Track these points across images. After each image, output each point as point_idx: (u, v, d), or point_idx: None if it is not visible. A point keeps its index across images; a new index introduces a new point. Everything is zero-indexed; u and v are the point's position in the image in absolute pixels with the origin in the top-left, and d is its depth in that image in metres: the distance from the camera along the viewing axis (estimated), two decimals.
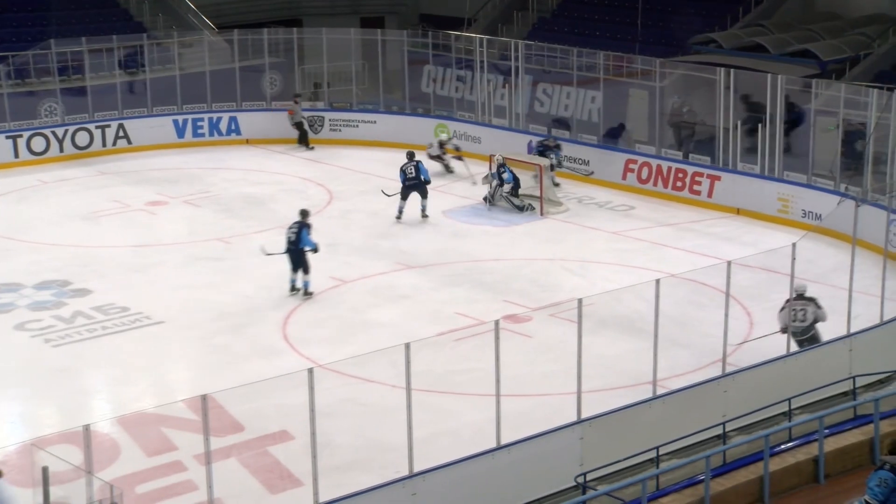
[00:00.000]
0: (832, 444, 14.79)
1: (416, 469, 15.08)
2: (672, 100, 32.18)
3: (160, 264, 25.63)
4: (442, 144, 32.71)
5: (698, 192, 29.58)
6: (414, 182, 28.15)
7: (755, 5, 39.48)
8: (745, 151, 29.17)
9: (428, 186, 28.42)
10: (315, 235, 24.19)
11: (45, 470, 12.77)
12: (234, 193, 31.14)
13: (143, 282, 24.58)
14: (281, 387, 18.44)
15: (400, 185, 28.13)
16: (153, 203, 30.32)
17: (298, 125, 36.02)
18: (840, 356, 18.90)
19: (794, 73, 31.27)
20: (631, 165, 30.79)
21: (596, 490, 15.21)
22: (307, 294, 23.36)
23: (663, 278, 17.80)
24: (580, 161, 32.04)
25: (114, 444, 17.09)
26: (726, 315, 17.90)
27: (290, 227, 23.73)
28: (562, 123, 33.82)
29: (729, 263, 18.07)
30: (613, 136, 32.11)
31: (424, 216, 28.25)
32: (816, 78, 30.84)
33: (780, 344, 18.84)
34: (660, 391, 17.39)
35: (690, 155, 30.55)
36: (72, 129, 35.36)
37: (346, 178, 32.51)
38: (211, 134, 36.79)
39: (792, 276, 18.66)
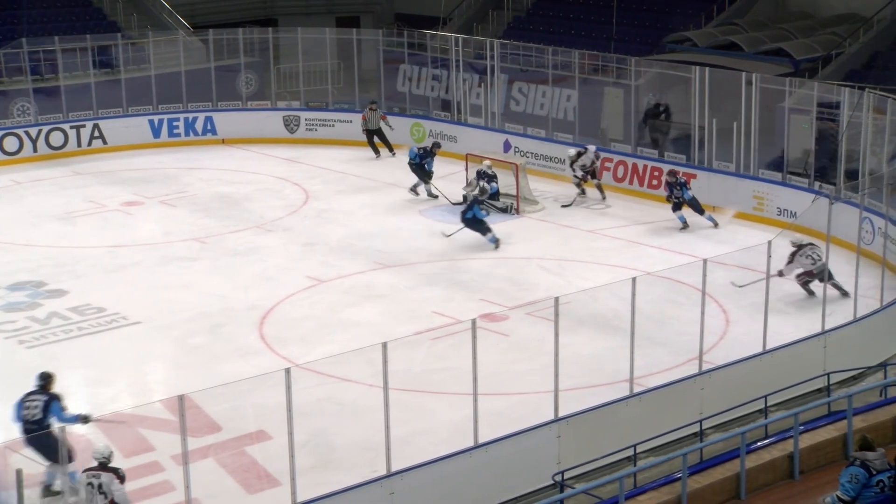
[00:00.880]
0: (806, 440, 14.87)
1: (394, 468, 15.11)
2: (647, 98, 32.27)
3: (136, 265, 25.56)
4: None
5: None
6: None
7: (729, 4, 39.69)
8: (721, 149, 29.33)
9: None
10: (292, 235, 24.12)
11: (18, 472, 12.74)
12: (210, 193, 31.09)
13: (120, 282, 24.51)
14: (258, 387, 18.48)
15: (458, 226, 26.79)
16: (129, 203, 30.24)
17: (374, 133, 34.46)
18: (814, 353, 19.03)
19: (767, 71, 31.40)
20: (607, 164, 30.86)
21: (573, 488, 15.28)
22: None
23: (640, 276, 17.89)
24: (555, 160, 32.08)
25: (90, 444, 17.01)
26: (702, 313, 17.99)
27: None
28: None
29: (705, 261, 18.16)
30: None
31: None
32: (790, 76, 30.97)
33: (757, 342, 18.92)
34: (637, 389, 17.48)
35: (666, 153, 30.64)
36: (46, 128, 35.21)
37: (323, 178, 32.48)
38: (187, 134, 36.71)
39: (767, 274, 18.77)
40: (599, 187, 29.76)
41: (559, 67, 33.39)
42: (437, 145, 30.20)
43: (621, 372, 17.64)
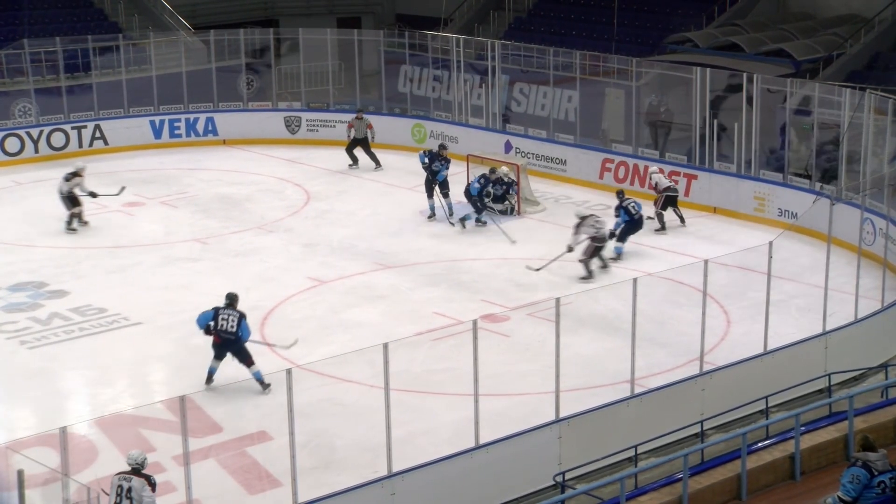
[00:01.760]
0: (808, 441, 14.87)
1: (395, 469, 15.13)
2: (649, 99, 32.28)
3: (137, 265, 25.57)
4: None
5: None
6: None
7: (730, 5, 39.67)
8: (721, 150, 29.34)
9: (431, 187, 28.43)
10: (293, 236, 24.18)
11: (20, 473, 12.75)
12: (212, 194, 31.09)
13: (121, 283, 24.53)
14: (259, 387, 18.55)
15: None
16: (130, 204, 30.22)
17: (359, 142, 33.52)
18: (816, 354, 19.04)
19: (768, 72, 31.41)
20: (608, 164, 30.86)
21: (574, 489, 15.28)
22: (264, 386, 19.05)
23: (640, 277, 17.91)
24: (557, 160, 32.12)
25: (91, 445, 17.07)
26: (703, 314, 18.00)
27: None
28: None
29: (706, 262, 18.17)
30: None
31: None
32: (791, 77, 30.98)
33: (758, 343, 18.93)
34: (638, 390, 17.49)
35: (667, 154, 30.65)
36: (47, 129, 35.21)
37: (324, 179, 32.48)
38: (188, 135, 36.71)
39: (769, 275, 18.77)
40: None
41: (560, 68, 33.39)
42: (443, 147, 29.55)
43: (622, 373, 17.65)
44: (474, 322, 15.66)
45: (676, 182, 28.45)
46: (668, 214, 27.54)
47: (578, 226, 24.47)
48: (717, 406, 17.54)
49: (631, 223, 25.64)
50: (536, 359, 19.64)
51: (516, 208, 28.64)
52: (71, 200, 27.93)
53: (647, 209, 27.01)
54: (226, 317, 19.08)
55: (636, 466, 15.90)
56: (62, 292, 23.88)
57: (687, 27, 38.63)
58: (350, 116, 33.81)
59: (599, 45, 36.75)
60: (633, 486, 14.86)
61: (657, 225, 27.12)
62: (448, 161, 28.87)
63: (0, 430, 18.30)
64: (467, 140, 33.87)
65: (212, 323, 19.09)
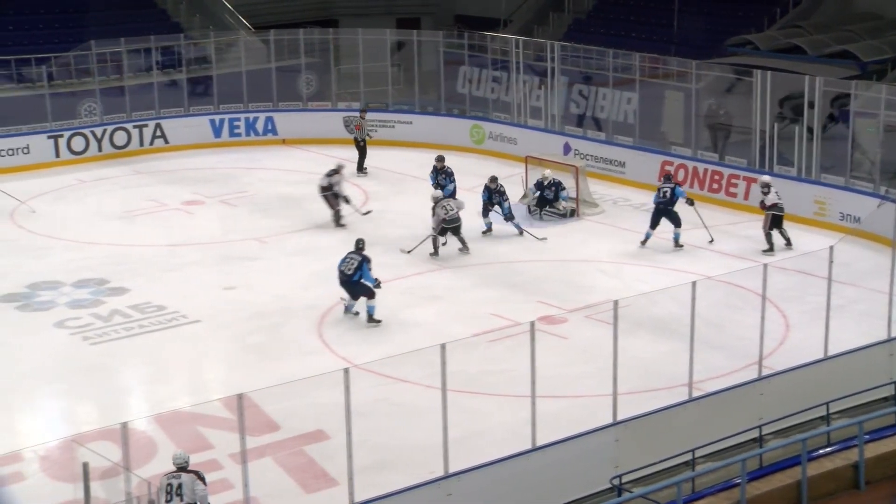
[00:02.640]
0: (872, 449, 14.66)
1: (451, 469, 15.10)
2: (709, 101, 32.06)
3: (196, 263, 25.74)
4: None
5: (734, 195, 29.47)
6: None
7: (793, 6, 39.31)
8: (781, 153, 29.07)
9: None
10: (350, 235, 24.30)
11: (85, 466, 12.89)
12: (270, 193, 31.24)
13: (179, 281, 24.70)
14: (316, 386, 18.55)
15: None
16: (189, 202, 30.46)
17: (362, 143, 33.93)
18: (880, 360, 18.77)
19: (832, 74, 31.09)
20: (667, 167, 30.71)
21: (631, 492, 15.19)
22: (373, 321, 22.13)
23: (699, 280, 17.78)
24: (616, 162, 32.00)
25: (150, 441, 17.19)
26: (762, 317, 17.83)
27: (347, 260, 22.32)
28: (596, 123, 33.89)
29: (765, 266, 18.01)
30: None
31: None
32: (856, 79, 30.63)
33: (818, 348, 18.72)
34: (695, 393, 17.34)
35: (727, 157, 30.43)
36: (110, 128, 35.60)
37: (382, 179, 32.55)
38: (247, 134, 36.93)
39: (829, 279, 18.56)
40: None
41: (619, 70, 33.26)
42: (439, 159, 29.05)
43: (680, 376, 17.52)
44: (532, 323, 15.61)
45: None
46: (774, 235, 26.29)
47: (433, 208, 25.90)
48: (776, 411, 17.35)
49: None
50: (593, 361, 19.54)
51: (576, 210, 28.52)
52: (333, 196, 28.13)
53: (720, 216, 26.80)
54: (348, 259, 22.07)
55: (693, 470, 15.78)
56: (123, 289, 24.09)
57: (748, 29, 38.34)
58: (411, 117, 33.85)
59: (659, 46, 36.59)
60: (691, 490, 14.77)
61: (765, 246, 25.98)
62: (450, 174, 28.72)
63: (64, 423, 18.53)
64: (526, 141, 33.81)
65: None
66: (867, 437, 14.73)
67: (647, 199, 29.74)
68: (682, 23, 40.17)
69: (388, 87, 37.97)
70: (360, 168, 33.36)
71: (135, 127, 35.95)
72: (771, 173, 28.71)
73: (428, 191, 27.78)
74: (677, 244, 26.08)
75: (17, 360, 20.88)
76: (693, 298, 16.93)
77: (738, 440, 16.89)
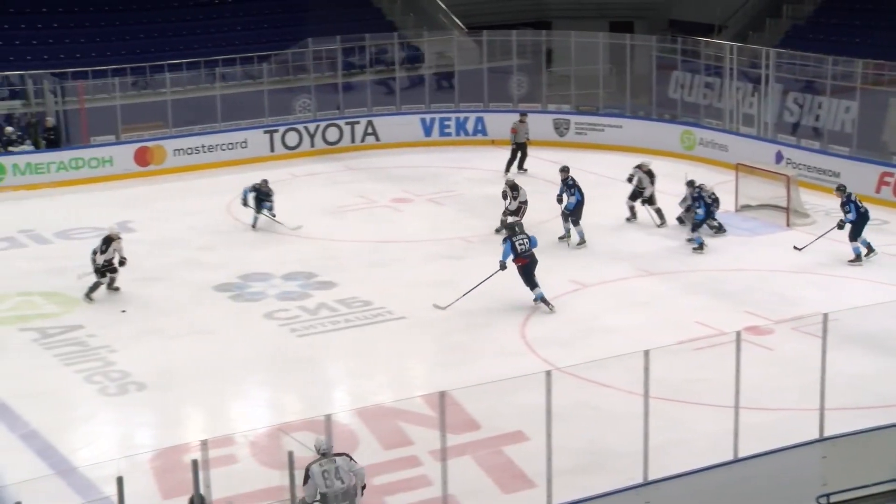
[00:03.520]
0: None
1: (651, 477, 14.95)
2: None
3: (402, 260, 26.07)
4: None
5: None
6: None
7: None
8: None
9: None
10: (556, 238, 24.21)
11: (290, 455, 13.18)
12: (478, 193, 31.42)
13: (386, 277, 25.05)
14: (518, 387, 18.58)
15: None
16: (398, 200, 30.87)
17: (521, 147, 33.73)
18: None
19: None
20: (886, 178, 29.78)
21: None
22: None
23: None
24: (830, 172, 31.20)
25: (352, 434, 17.46)
26: None
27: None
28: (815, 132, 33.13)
29: None
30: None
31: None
32: None
33: None
34: None
35: None
36: (323, 124, 36.41)
37: (591, 183, 32.27)
38: (457, 133, 37.26)
39: None
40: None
41: (839, 77, 32.42)
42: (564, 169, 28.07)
43: (894, 396, 16.98)
44: (737, 333, 15.35)
45: None
46: None
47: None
48: None
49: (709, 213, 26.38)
50: (800, 374, 19.08)
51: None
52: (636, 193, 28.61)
53: None
54: (522, 241, 22.80)
55: None
56: (330, 283, 24.55)
57: None
58: (621, 121, 33.57)
59: (884, 52, 35.43)
60: None
61: None
62: (572, 185, 27.47)
63: (271, 411, 18.99)
64: (737, 149, 33.25)
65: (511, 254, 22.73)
66: None
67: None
68: None
69: (600, 90, 37.82)
70: (521, 167, 33.34)
71: (347, 124, 36.67)
72: None
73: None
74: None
75: (229, 348, 21.48)
76: None
77: None
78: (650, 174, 28.39)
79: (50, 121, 33.70)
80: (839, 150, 31.80)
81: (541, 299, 22.82)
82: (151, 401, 19.33)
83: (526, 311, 22.72)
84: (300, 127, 36.16)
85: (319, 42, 37.57)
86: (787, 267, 25.28)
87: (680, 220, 27.93)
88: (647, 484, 14.91)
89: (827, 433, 15.97)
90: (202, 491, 12.91)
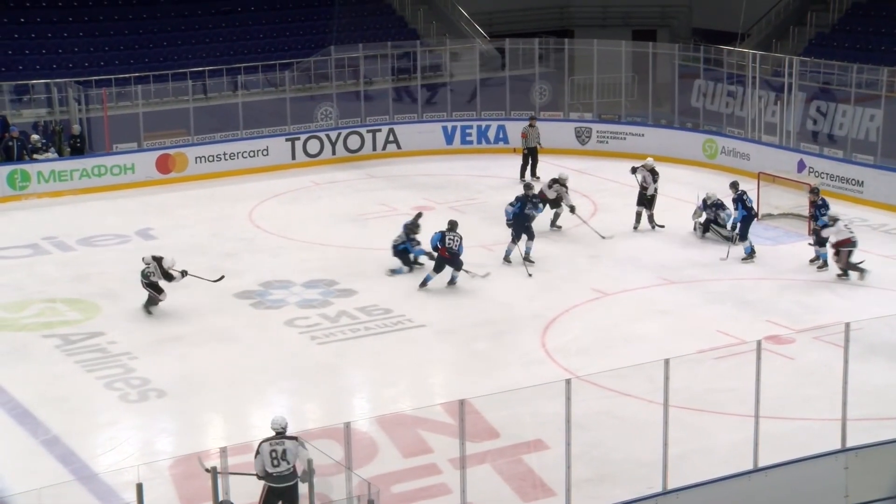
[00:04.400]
0: None
1: (670, 486, 14.91)
2: None
3: (424, 268, 26.01)
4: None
5: None
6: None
7: None
8: None
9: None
10: (578, 247, 24.14)
11: (309, 462, 13.17)
12: (500, 201, 31.24)
13: (407, 285, 25.02)
14: (538, 396, 18.57)
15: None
16: (419, 208, 30.82)
17: (532, 151, 33.79)
18: None
19: None
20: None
21: None
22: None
23: None
24: (853, 181, 31.08)
25: (372, 442, 17.46)
26: None
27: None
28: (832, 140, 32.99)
29: None
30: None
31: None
32: None
33: None
34: None
35: None
36: (345, 132, 36.46)
37: (612, 191, 32.34)
38: (479, 142, 37.27)
39: None
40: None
41: (863, 86, 32.29)
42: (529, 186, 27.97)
43: None
44: (758, 342, 15.30)
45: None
46: None
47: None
48: None
49: (748, 217, 25.82)
50: (822, 384, 19.00)
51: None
52: (648, 199, 28.70)
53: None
54: (452, 237, 24.33)
55: None
56: (350, 291, 24.56)
57: None
58: (643, 129, 33.53)
59: None
60: None
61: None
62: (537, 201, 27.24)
63: (291, 419, 18.95)
64: (759, 158, 33.16)
65: (438, 244, 24.39)
66: None
67: (887, 220, 28.90)
68: None
69: (622, 98, 37.78)
70: (533, 173, 33.35)
71: (368, 131, 36.72)
72: None
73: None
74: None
75: (250, 355, 21.52)
76: None
77: None
78: (654, 172, 28.43)
79: (76, 128, 33.84)
80: (863, 159, 31.66)
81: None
82: (171, 407, 19.38)
83: (546, 319, 22.69)
84: (322, 135, 36.22)
85: (342, 50, 37.68)
86: (810, 276, 25.18)
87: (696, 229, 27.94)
88: (666, 493, 14.87)
89: (849, 444, 15.90)
90: (221, 498, 12.92)
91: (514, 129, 36.90)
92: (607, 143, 36.35)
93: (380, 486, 14.16)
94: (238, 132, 35.61)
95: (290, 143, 35.74)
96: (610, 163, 35.08)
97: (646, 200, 28.56)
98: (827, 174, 31.65)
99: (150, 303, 23.38)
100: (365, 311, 23.46)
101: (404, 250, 25.67)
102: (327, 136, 36.24)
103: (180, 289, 24.83)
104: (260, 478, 14.43)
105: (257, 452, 14.46)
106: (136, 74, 35.54)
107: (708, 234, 27.67)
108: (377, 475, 15.75)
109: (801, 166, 32.33)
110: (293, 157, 35.64)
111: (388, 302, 23.83)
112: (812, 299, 23.82)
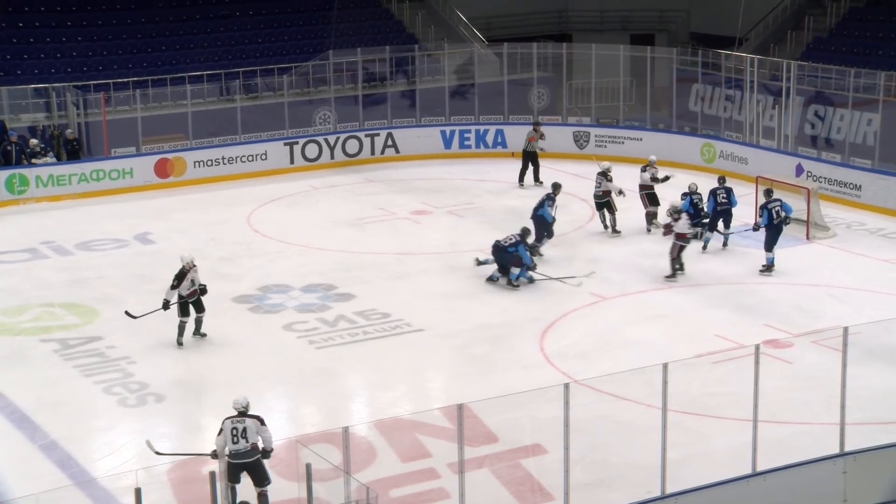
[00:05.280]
0: None
1: (669, 490, 14.91)
2: None
3: (422, 272, 26.06)
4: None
5: None
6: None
7: None
8: None
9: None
10: (576, 251, 24.11)
11: (308, 466, 13.18)
12: (498, 206, 31.43)
13: (405, 289, 25.04)
14: (536, 400, 18.58)
15: None
16: (418, 212, 30.89)
17: (532, 156, 33.87)
18: None
19: None
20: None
21: None
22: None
23: None
24: (851, 185, 31.10)
25: (370, 446, 17.45)
26: None
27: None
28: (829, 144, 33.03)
29: None
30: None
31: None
32: None
33: None
34: None
35: None
36: (343, 136, 36.47)
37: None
38: (477, 146, 37.28)
39: None
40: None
41: (861, 90, 32.32)
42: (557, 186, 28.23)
43: None
44: (756, 347, 15.31)
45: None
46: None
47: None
48: None
49: (772, 228, 25.59)
50: (820, 388, 19.02)
51: (805, 233, 27.68)
52: (649, 196, 28.94)
53: None
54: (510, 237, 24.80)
55: None
56: (349, 296, 24.56)
57: None
58: (641, 133, 33.41)
59: None
60: None
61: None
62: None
63: (289, 423, 18.99)
64: (757, 161, 33.18)
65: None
66: None
67: (886, 225, 28.93)
68: None
69: (620, 102, 37.80)
70: (536, 178, 33.40)
71: (367, 136, 36.75)
72: None
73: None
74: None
75: (248, 359, 21.50)
76: None
77: None
78: (605, 174, 28.66)
79: (71, 133, 33.85)
80: (861, 163, 31.68)
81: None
82: (170, 412, 19.37)
83: (545, 323, 22.69)
84: (320, 139, 36.23)
85: (340, 54, 37.70)
86: (808, 280, 25.19)
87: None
88: (665, 497, 14.87)
89: (848, 448, 15.91)
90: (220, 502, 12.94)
91: (513, 134, 36.97)
92: (606, 147, 36.34)
93: (378, 490, 14.17)
94: (236, 136, 35.61)
95: (288, 147, 35.74)
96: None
97: (656, 200, 28.81)
98: (825, 178, 31.66)
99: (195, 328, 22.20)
100: (363, 315, 23.46)
101: (512, 253, 24.77)
102: (326, 140, 36.26)
103: None
104: (213, 457, 15.44)
105: (220, 430, 15.41)
106: (135, 79, 35.56)
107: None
108: (375, 480, 15.74)
109: (798, 170, 32.35)
110: (292, 162, 35.65)
111: (386, 306, 23.82)
112: (810, 303, 23.82)
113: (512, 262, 24.64)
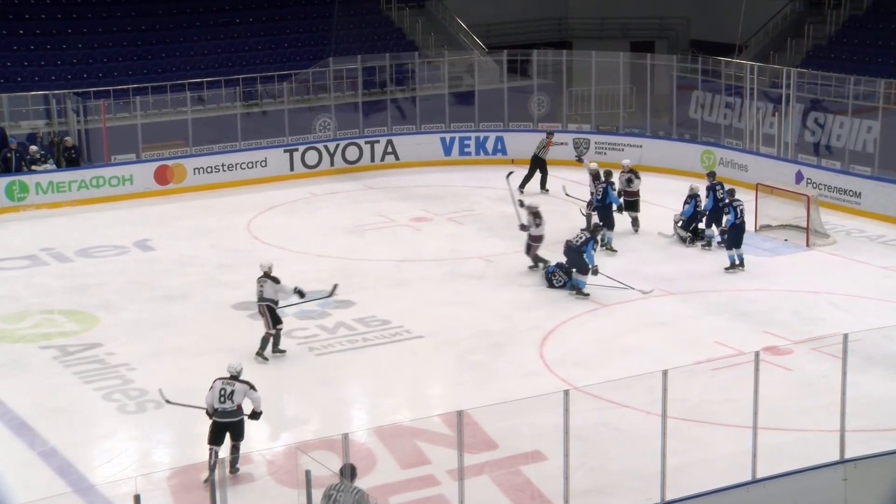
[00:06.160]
0: None
1: (668, 497, 14.90)
2: None
3: (422, 279, 26.06)
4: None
5: None
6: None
7: None
8: None
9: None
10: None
11: (307, 473, 13.18)
12: (498, 213, 31.41)
13: (405, 296, 25.03)
14: (536, 407, 18.57)
15: None
16: (417, 219, 30.89)
17: (542, 163, 34.07)
18: None
19: None
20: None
21: None
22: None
23: None
24: (851, 193, 31.11)
25: (370, 453, 17.44)
26: None
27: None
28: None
29: None
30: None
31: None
32: None
33: None
34: None
35: None
36: (343, 143, 36.49)
37: None
38: (477, 153, 37.31)
39: None
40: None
41: (861, 97, 32.34)
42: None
43: None
44: (756, 354, 15.31)
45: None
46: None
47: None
48: None
49: (735, 226, 26.11)
50: (820, 395, 19.02)
51: (806, 240, 27.59)
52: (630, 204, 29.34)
53: None
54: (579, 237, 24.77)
55: None
56: (348, 302, 24.54)
57: None
58: (641, 140, 33.46)
59: None
60: None
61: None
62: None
63: (289, 430, 18.98)
64: (757, 169, 33.20)
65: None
66: None
67: (886, 232, 28.94)
68: None
69: (620, 110, 37.82)
70: (543, 186, 33.54)
71: (367, 143, 36.77)
72: None
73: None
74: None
75: (247, 366, 21.34)
76: None
77: None
78: (596, 175, 28.97)
79: (69, 140, 33.85)
80: (860, 170, 31.69)
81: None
82: (169, 419, 19.32)
83: (545, 331, 22.69)
84: (320, 146, 36.25)
85: (340, 61, 37.74)
86: (808, 287, 25.19)
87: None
88: None
89: (848, 455, 15.90)
90: None
91: (513, 141, 37.06)
92: (605, 154, 36.35)
93: (378, 497, 14.17)
94: (236, 143, 35.64)
95: (288, 154, 35.77)
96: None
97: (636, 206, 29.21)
98: (824, 185, 31.67)
99: (274, 344, 21.80)
100: (363, 322, 23.45)
101: (580, 252, 24.70)
102: (325, 147, 36.27)
103: (178, 300, 24.89)
104: (209, 415, 16.58)
105: (211, 387, 16.64)
106: (135, 86, 35.56)
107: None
108: (375, 486, 15.73)
109: (798, 177, 32.37)
110: (291, 169, 35.67)
111: (386, 313, 23.81)
112: (810, 311, 23.82)
113: (580, 267, 24.56)
